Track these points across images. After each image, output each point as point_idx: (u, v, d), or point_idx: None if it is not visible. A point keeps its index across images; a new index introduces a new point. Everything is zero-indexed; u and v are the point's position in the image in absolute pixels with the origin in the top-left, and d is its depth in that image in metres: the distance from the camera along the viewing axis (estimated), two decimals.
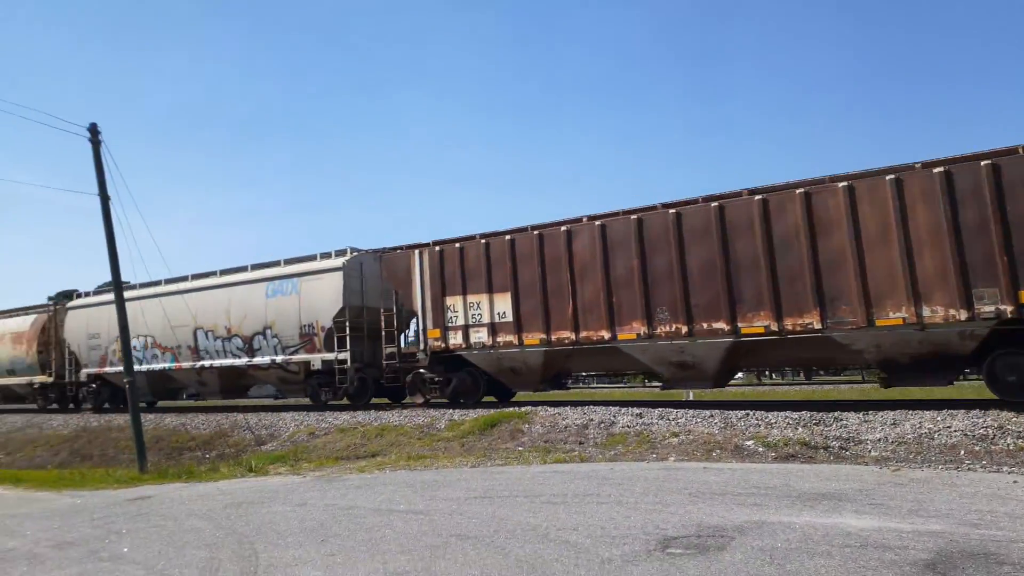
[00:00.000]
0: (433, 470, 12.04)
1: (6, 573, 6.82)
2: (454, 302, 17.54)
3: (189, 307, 22.80)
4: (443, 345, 17.70)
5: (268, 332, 21.11)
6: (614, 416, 14.19)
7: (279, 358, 20.99)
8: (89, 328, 25.99)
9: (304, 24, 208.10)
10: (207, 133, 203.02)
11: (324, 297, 19.95)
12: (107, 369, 25.66)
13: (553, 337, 16.01)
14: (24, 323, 29.49)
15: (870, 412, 12.63)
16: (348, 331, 19.55)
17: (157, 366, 24.13)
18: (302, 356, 20.55)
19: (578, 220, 16.14)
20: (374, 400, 20.88)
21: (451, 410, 17.23)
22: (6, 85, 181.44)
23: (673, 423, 13.34)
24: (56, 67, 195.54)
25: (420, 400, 18.52)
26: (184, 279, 23.99)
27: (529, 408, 15.71)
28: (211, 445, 18.55)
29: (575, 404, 16.18)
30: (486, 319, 16.99)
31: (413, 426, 16.03)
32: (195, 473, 14.26)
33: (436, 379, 18.28)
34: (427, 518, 7.94)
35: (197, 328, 22.75)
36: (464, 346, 17.41)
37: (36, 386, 28.81)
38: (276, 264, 21.77)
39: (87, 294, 27.63)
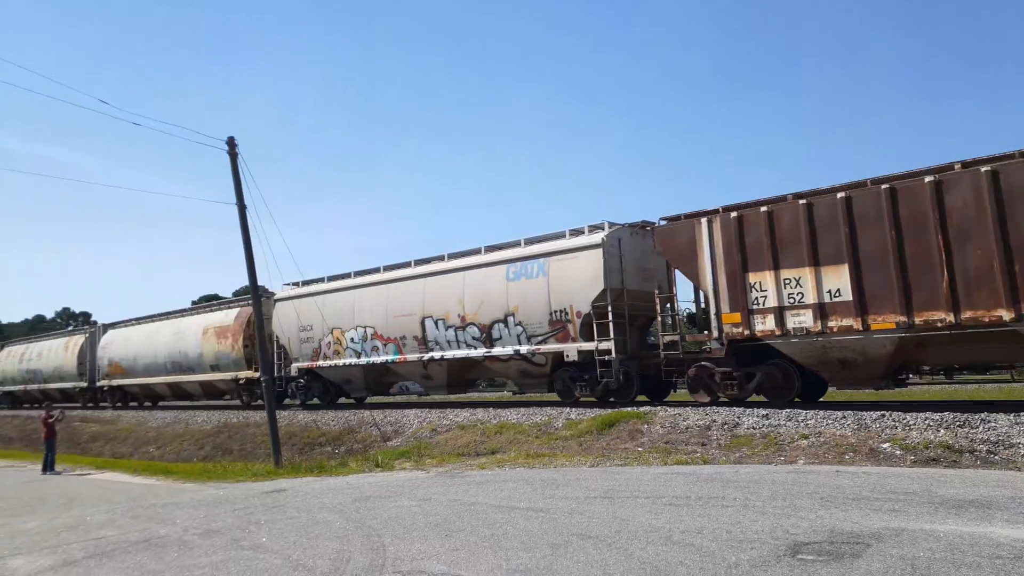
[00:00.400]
0: (552, 468, 12.09)
1: (159, 558, 7.35)
2: (760, 279, 14.59)
3: (415, 295, 21.08)
4: (745, 332, 14.80)
5: (510, 320, 18.78)
6: (738, 417, 13.77)
7: (523, 348, 18.57)
8: (301, 320, 24.32)
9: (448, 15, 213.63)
10: (324, 140, 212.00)
11: (580, 278, 17.46)
12: (320, 363, 23.87)
13: (917, 319, 12.81)
14: (228, 317, 28.01)
15: (1022, 413, 11.67)
16: (611, 317, 16.94)
17: (378, 359, 22.07)
18: (552, 346, 18.09)
19: (947, 168, 12.91)
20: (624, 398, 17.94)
21: (568, 409, 17.23)
22: (149, 102, 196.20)
23: (802, 425, 12.81)
24: (192, 80, 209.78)
25: (706, 399, 15.79)
26: (406, 265, 22.11)
27: (648, 408, 15.49)
28: (340, 441, 19.36)
29: (696, 405, 15.82)
30: (810, 299, 13.96)
31: (531, 424, 16.15)
32: (326, 468, 14.94)
33: (732, 373, 15.32)
34: (548, 516, 7.98)
35: (425, 317, 20.66)
36: (777, 332, 14.42)
37: (241, 381, 27.17)
38: (515, 244, 19.51)
39: (295, 285, 25.49)
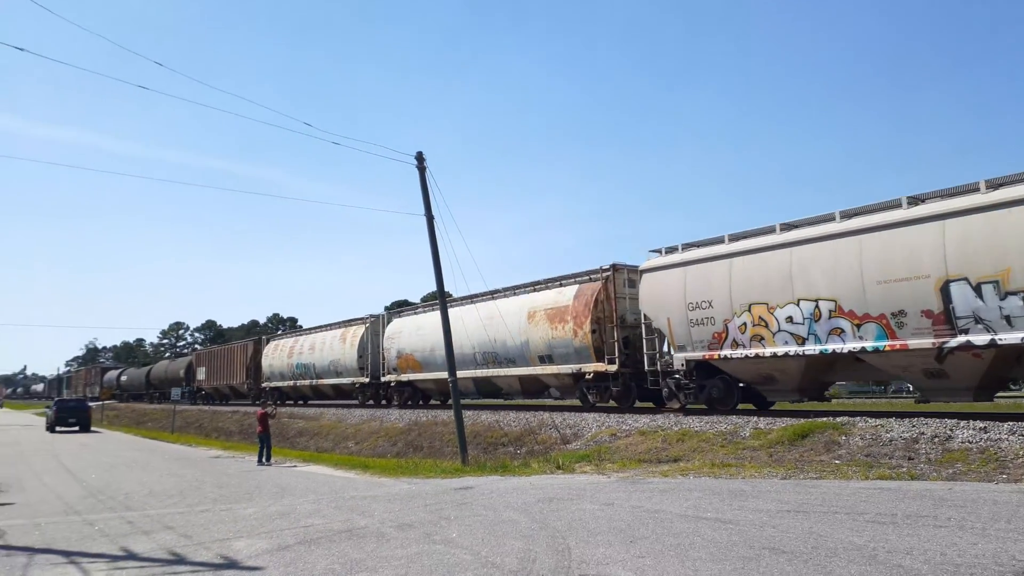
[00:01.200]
0: (739, 479, 11.62)
1: (360, 547, 7.83)
2: None
3: (926, 246, 13.98)
4: None
5: None
6: (950, 430, 12.55)
7: None
8: (689, 295, 18.16)
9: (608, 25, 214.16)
10: (500, 147, 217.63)
11: None
12: (727, 353, 17.36)
13: None
14: (563, 296, 22.43)
15: None
16: None
17: (844, 346, 15.28)
18: None
19: None
20: None
21: (755, 418, 16.50)
22: (341, 120, 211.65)
23: None
24: (378, 97, 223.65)
25: None
26: (892, 205, 15.08)
27: (846, 419, 14.49)
28: (521, 442, 19.75)
29: (900, 415, 14.61)
30: None
31: (715, 432, 15.62)
32: (509, 467, 15.29)
33: None
34: (736, 528, 7.67)
35: (951, 280, 13.58)
36: None
37: (588, 376, 21.51)
38: None
39: (670, 250, 19.47)
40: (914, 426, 13.10)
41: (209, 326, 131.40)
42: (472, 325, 25.18)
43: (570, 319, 21.73)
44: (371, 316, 34.00)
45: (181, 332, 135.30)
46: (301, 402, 40.16)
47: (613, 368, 20.58)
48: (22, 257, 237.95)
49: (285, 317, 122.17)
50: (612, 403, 21.94)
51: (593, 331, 21.03)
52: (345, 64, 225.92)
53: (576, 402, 24.93)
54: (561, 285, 23.19)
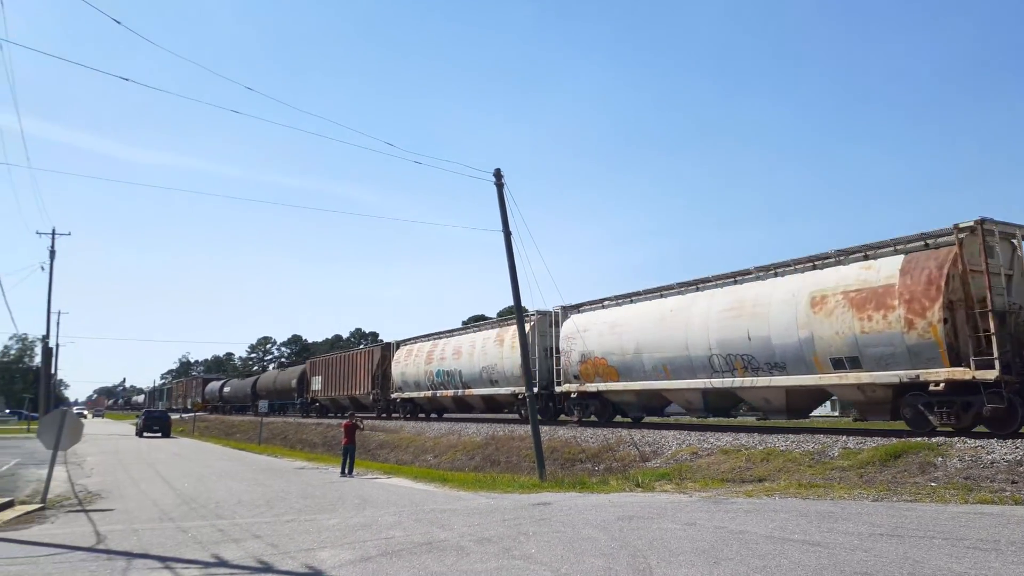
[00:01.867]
0: (828, 500, 11.22)
1: (440, 560, 7.90)
2: None
3: None
4: None
5: None
6: None
7: None
8: None
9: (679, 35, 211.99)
10: (577, 161, 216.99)
11: None
12: None
13: None
14: (877, 272, 15.75)
15: None
16: None
17: None
18: None
19: None
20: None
21: (844, 437, 15.89)
22: (418, 134, 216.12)
23: None
24: (458, 116, 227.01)
25: None
26: None
27: (942, 440, 13.80)
28: (599, 458, 19.56)
29: (1002, 436, 13.82)
30: None
31: (802, 452, 15.13)
32: (587, 484, 15.16)
33: None
34: (826, 551, 7.39)
35: None
36: None
37: (937, 386, 14.39)
38: None
39: None
40: (1018, 448, 12.37)
41: (295, 340, 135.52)
42: (703, 318, 19.59)
43: (898, 304, 14.93)
44: (536, 312, 27.57)
45: (268, 346, 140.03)
46: (435, 415, 36.45)
47: (990, 375, 13.49)
48: (122, 274, 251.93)
49: (367, 332, 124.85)
50: (960, 427, 14.85)
51: (944, 320, 14.20)
52: (422, 80, 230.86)
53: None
54: (866, 257, 16.39)
